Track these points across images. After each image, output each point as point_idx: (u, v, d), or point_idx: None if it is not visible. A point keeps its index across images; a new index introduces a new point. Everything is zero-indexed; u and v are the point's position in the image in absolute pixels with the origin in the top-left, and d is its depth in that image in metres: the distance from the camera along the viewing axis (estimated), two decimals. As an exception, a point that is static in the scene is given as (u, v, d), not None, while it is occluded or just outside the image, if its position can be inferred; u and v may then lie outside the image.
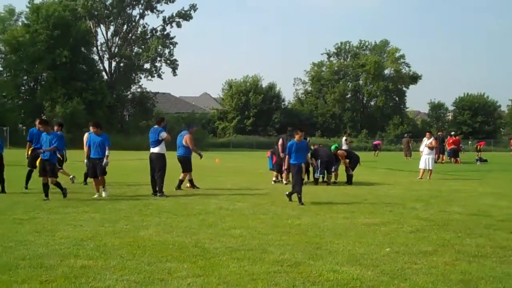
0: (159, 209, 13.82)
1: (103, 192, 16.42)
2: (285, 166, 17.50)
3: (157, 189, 16.99)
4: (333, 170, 21.97)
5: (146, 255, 8.58)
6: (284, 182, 21.36)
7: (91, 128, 16.94)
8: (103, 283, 7.02)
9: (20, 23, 78.94)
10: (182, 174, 19.27)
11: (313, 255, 8.76)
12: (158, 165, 17.18)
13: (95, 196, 16.22)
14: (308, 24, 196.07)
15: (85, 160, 17.24)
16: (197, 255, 8.60)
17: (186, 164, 19.28)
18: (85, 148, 17.44)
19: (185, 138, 19.32)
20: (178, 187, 18.88)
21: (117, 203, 14.80)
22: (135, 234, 10.30)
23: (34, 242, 9.38)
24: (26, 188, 17.85)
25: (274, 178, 22.28)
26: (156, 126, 17.72)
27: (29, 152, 18.28)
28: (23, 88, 75.96)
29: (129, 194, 17.33)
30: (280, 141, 21.88)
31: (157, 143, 17.32)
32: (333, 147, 22.78)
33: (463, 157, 46.24)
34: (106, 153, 16.36)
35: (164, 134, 17.40)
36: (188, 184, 19.40)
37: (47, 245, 9.11)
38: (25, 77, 74.59)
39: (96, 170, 16.39)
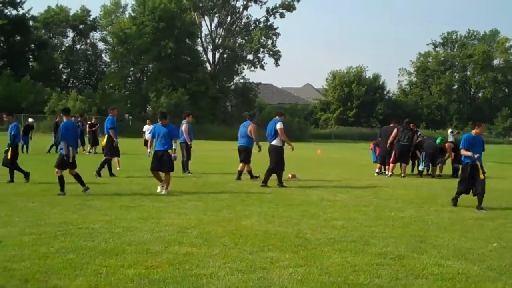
0: (261, 199, 13.90)
1: (163, 190, 14.77)
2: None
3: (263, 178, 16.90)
4: (438, 162, 21.47)
5: (248, 244, 8.64)
6: (389, 173, 21.03)
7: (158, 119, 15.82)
8: (206, 270, 7.11)
9: (126, 15, 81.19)
10: (241, 165, 18.84)
11: (416, 249, 8.60)
12: (272, 157, 17.02)
13: (158, 190, 14.87)
14: (415, 13, 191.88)
15: (148, 150, 16.24)
16: (298, 245, 8.60)
17: (246, 155, 18.83)
18: (149, 138, 16.71)
19: (249, 128, 18.82)
20: (238, 177, 18.53)
21: (219, 193, 14.99)
22: (238, 223, 10.40)
23: (140, 228, 9.62)
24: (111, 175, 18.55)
25: (377, 170, 21.99)
26: (276, 118, 17.52)
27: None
28: (129, 79, 78.16)
29: (232, 184, 17.48)
30: (395, 132, 21.32)
31: (274, 135, 16.98)
32: (438, 140, 22.24)
33: None
34: (173, 146, 15.09)
35: (280, 124, 17.07)
36: (248, 176, 18.94)
37: (153, 232, 9.33)
38: (132, 69, 76.73)
39: (161, 163, 14.92)
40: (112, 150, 18.88)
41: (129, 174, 18.89)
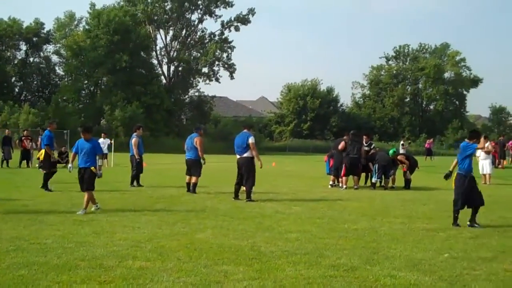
0: (216, 212, 13.90)
1: (92, 207, 13.85)
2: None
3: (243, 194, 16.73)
4: (390, 174, 21.74)
5: (202, 257, 8.63)
6: (343, 186, 21.20)
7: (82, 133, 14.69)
8: (160, 285, 7.09)
9: (80, 28, 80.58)
10: (194, 178, 18.63)
11: (370, 260, 8.69)
12: (246, 170, 16.71)
13: (92, 209, 13.79)
14: (367, 28, 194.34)
15: (69, 165, 15.06)
16: (253, 258, 8.63)
17: (197, 168, 18.70)
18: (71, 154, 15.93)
19: (195, 140, 18.74)
20: (193, 191, 18.40)
21: (174, 206, 14.95)
22: (192, 237, 10.38)
23: (93, 243, 9.54)
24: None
25: (331, 182, 22.16)
26: (245, 131, 17.20)
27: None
28: (83, 92, 77.45)
29: (186, 197, 17.44)
30: (342, 144, 21.56)
31: (246, 148, 16.67)
32: (391, 152, 22.54)
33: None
34: (99, 162, 14.36)
35: (252, 139, 16.84)
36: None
37: (106, 247, 9.26)
38: (86, 81, 76.04)
39: (81, 182, 13.92)
40: (49, 164, 18.68)
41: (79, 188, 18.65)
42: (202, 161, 18.67)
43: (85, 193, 13.70)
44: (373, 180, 21.61)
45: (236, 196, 16.74)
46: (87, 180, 13.70)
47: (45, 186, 18.12)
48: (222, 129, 76.48)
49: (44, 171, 18.62)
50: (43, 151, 18.80)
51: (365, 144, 22.67)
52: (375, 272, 7.97)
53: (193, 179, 18.62)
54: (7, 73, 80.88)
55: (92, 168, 13.82)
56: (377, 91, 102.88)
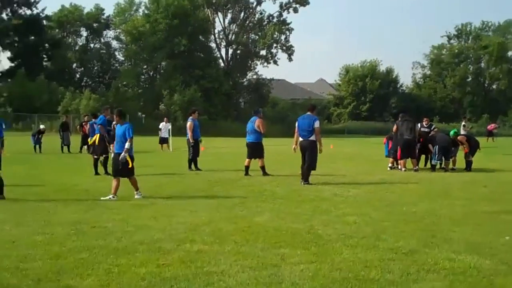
0: (273, 196, 13.92)
1: (136, 195, 13.46)
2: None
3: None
4: (451, 156, 21.39)
5: (259, 240, 8.65)
6: (402, 169, 20.95)
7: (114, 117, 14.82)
8: (218, 268, 7.14)
9: (139, 13, 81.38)
10: (260, 161, 18.76)
11: (428, 243, 8.58)
12: (309, 153, 16.49)
13: (108, 197, 13.17)
14: (428, 6, 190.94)
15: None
16: (310, 242, 8.61)
17: (259, 150, 18.77)
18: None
19: (256, 123, 18.71)
20: (264, 173, 18.52)
21: (232, 190, 15.03)
22: (250, 220, 10.42)
23: (152, 227, 9.66)
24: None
25: (389, 165, 21.93)
26: (309, 113, 16.91)
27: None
28: (142, 77, 78.50)
29: (244, 180, 17.53)
30: (395, 127, 21.48)
31: (311, 132, 16.39)
32: (451, 133, 22.16)
33: None
34: (126, 145, 13.24)
35: (318, 123, 16.63)
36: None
37: (164, 230, 9.37)
38: (145, 66, 76.98)
39: (119, 168, 13.36)
40: (101, 149, 18.68)
41: (141, 172, 18.93)
42: (262, 138, 18.83)
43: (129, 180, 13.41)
44: (433, 162, 21.29)
45: (306, 180, 16.43)
46: (123, 166, 13.23)
47: (95, 170, 18.46)
48: (280, 111, 76.34)
49: (95, 156, 18.83)
50: (97, 135, 18.84)
51: (425, 126, 22.40)
52: (433, 255, 7.86)
53: (260, 162, 18.74)
54: (68, 59, 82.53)
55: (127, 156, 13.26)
56: (438, 71, 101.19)
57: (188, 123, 20.81)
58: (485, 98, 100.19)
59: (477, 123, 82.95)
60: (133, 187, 13.46)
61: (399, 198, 13.63)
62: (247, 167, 18.78)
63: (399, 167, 21.27)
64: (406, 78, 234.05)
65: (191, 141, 20.54)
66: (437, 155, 21.08)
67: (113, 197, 13.06)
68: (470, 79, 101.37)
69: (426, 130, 22.15)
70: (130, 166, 13.27)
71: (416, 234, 9.26)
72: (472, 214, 11.33)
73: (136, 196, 13.28)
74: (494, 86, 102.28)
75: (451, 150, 21.31)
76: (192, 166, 20.55)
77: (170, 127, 34.48)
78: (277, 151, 28.71)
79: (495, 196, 14.03)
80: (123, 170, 13.23)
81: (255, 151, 18.80)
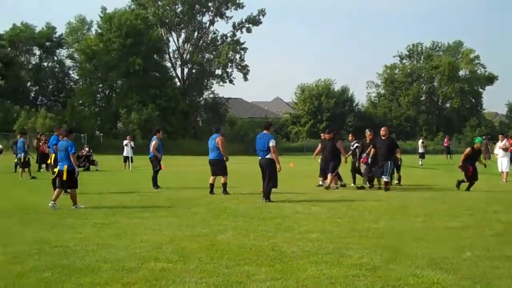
0: (235, 213, 13.89)
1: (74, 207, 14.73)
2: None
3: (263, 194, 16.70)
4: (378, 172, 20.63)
5: (224, 258, 8.63)
6: (335, 186, 21.07)
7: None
8: (183, 286, 7.11)
9: (92, 32, 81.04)
10: (222, 178, 18.70)
11: (392, 259, 8.64)
12: (269, 172, 16.61)
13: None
14: (379, 27, 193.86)
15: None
16: (274, 259, 8.61)
17: (222, 168, 18.78)
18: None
19: (216, 140, 18.74)
20: (224, 191, 18.50)
21: (193, 208, 14.96)
22: (213, 238, 10.38)
23: (115, 245, 9.57)
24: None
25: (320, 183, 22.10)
26: (265, 132, 17.11)
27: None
28: (98, 95, 77.87)
29: (205, 198, 17.45)
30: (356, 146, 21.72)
31: (267, 150, 16.54)
32: (477, 140, 21.53)
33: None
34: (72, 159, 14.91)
35: (273, 142, 16.71)
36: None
37: (127, 249, 9.28)
38: (100, 85, 76.46)
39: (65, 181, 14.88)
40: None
41: (101, 191, 18.79)
42: (225, 158, 18.80)
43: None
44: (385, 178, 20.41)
45: (268, 198, 16.49)
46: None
47: (54, 189, 18.27)
48: (239, 130, 76.45)
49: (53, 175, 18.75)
50: (52, 155, 18.87)
51: (351, 144, 22.65)
52: (398, 271, 7.93)
53: (222, 179, 18.70)
54: (22, 78, 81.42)
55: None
56: (392, 90, 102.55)
57: (153, 142, 20.99)
58: (439, 116, 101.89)
59: (433, 141, 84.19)
60: (72, 200, 14.69)
61: (360, 215, 13.70)
62: (212, 185, 18.71)
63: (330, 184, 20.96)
64: (361, 97, 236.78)
65: (158, 157, 20.87)
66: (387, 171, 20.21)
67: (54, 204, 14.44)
68: (423, 97, 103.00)
69: (351, 148, 22.77)
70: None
71: (379, 250, 9.33)
72: (433, 230, 11.45)
73: (73, 207, 14.51)
74: (447, 105, 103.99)
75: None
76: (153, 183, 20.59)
77: (132, 144, 34.37)
78: (237, 170, 28.70)
79: (455, 212, 14.21)
80: (69, 181, 14.71)
81: (218, 168, 18.78)
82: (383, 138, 20.60)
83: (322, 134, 23.02)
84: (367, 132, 21.99)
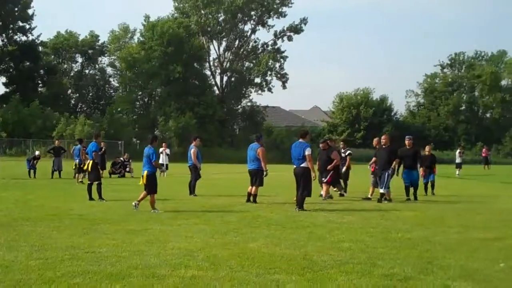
0: (268, 222, 13.87)
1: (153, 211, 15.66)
2: None
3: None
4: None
5: (254, 266, 8.63)
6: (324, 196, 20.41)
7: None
8: (212, 293, 7.11)
9: (134, 41, 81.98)
10: (253, 188, 18.56)
11: (423, 270, 8.56)
12: (303, 180, 16.55)
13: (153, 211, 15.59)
14: (421, 35, 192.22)
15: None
16: (305, 268, 8.58)
17: (261, 178, 18.60)
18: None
19: (258, 151, 18.58)
20: (254, 201, 18.38)
21: (226, 216, 14.97)
22: (244, 246, 10.38)
23: (147, 252, 9.62)
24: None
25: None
26: (300, 140, 17.07)
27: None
28: (137, 103, 78.72)
29: (239, 206, 17.48)
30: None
31: (303, 158, 16.47)
32: None
33: None
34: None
35: (309, 150, 16.60)
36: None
37: (159, 256, 9.32)
38: (140, 93, 77.26)
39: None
40: (94, 175, 18.88)
41: (135, 198, 18.90)
42: (264, 173, 18.59)
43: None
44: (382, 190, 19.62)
45: (301, 206, 16.40)
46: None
47: (89, 195, 18.54)
48: (275, 138, 76.45)
49: (89, 182, 18.93)
50: (89, 162, 19.02)
51: (343, 151, 22.41)
52: (429, 282, 7.85)
53: (254, 190, 18.58)
54: (63, 85, 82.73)
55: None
56: (432, 100, 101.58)
57: (192, 150, 21.21)
58: (479, 126, 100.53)
59: (471, 151, 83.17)
60: (151, 205, 15.70)
61: (394, 225, 13.60)
62: (249, 194, 18.63)
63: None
64: (399, 106, 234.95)
65: (198, 166, 21.15)
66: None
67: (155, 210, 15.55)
68: (463, 107, 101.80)
69: (343, 155, 22.44)
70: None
71: (411, 260, 9.24)
72: (466, 241, 11.32)
73: (152, 211, 15.44)
74: (488, 115, 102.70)
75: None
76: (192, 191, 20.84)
77: (167, 152, 34.40)
78: (273, 178, 28.69)
79: (489, 224, 14.03)
80: (149, 186, 16.00)
81: (256, 178, 18.58)
82: (384, 146, 19.89)
83: (375, 141, 21.70)
84: (407, 141, 20.97)
